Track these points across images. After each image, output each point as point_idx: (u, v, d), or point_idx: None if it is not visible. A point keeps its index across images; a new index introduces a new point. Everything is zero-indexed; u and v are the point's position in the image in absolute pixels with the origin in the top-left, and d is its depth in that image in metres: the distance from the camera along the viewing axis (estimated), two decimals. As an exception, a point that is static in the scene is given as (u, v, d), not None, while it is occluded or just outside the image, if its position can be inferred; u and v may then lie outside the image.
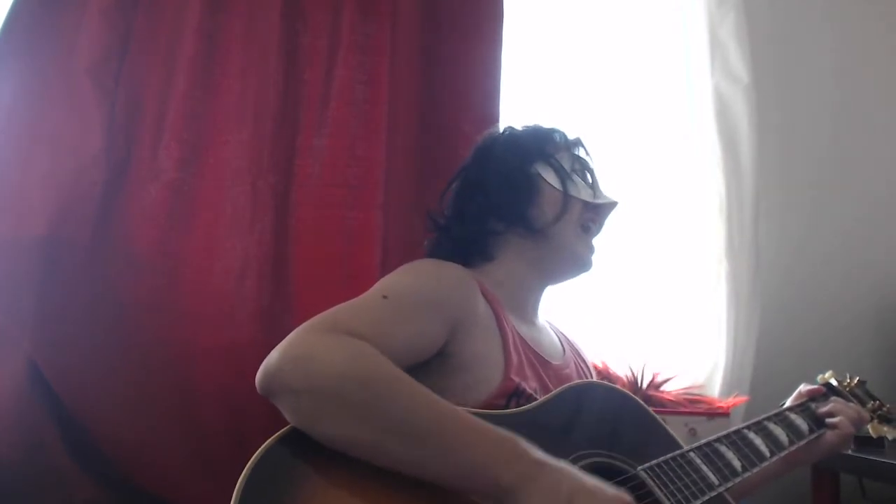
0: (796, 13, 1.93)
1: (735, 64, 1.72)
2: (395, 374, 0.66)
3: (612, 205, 1.05)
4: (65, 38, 1.23)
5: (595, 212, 1.03)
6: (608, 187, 1.08)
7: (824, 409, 1.04)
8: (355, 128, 1.29)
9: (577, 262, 1.03)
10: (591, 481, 0.64)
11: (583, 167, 1.05)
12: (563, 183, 1.00)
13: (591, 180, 1.05)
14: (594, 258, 1.04)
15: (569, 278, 1.06)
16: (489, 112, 1.36)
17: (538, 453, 0.64)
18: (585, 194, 1.02)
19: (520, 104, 1.60)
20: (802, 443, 0.98)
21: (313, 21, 1.33)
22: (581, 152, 1.07)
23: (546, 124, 1.10)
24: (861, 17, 1.99)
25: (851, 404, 1.08)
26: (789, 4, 1.93)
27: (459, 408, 0.67)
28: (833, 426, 1.02)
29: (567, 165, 1.03)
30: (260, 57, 1.30)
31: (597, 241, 1.06)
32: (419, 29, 1.37)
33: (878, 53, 1.99)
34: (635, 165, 1.76)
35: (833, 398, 1.08)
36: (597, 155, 1.10)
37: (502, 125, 1.34)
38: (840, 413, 1.03)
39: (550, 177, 1.01)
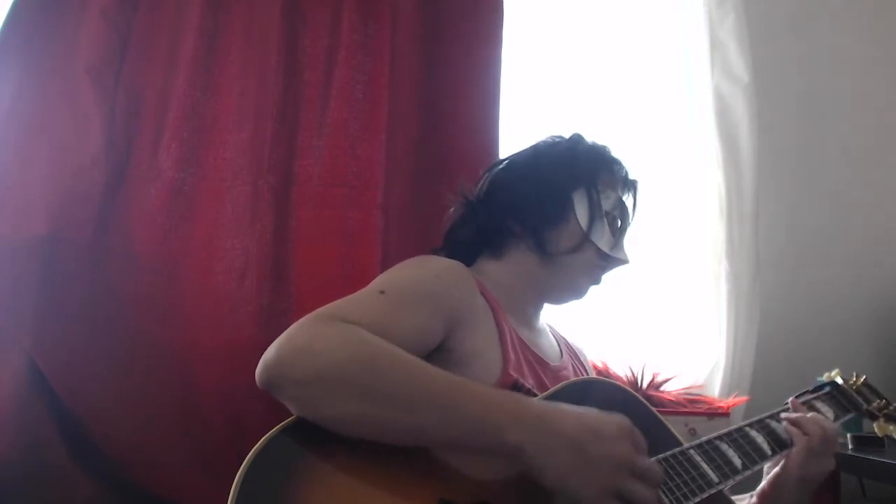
0: (796, 13, 1.94)
1: (735, 64, 1.73)
2: (393, 349, 0.68)
3: (623, 262, 1.03)
4: (65, 38, 1.23)
5: (606, 261, 1.02)
6: (629, 245, 1.05)
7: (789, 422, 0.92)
8: (355, 128, 1.29)
9: (572, 291, 1.03)
10: (591, 417, 0.66)
11: (618, 215, 1.03)
12: (590, 222, 0.98)
13: (618, 231, 1.03)
14: (589, 290, 1.04)
15: (560, 303, 1.06)
16: (489, 111, 1.36)
17: (538, 407, 0.67)
18: (605, 243, 0.99)
19: (520, 104, 1.60)
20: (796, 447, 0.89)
21: (313, 21, 1.33)
22: (628, 199, 1.05)
23: (615, 152, 1.07)
24: (860, 16, 1.99)
25: (812, 415, 0.94)
26: (789, 4, 1.94)
27: (458, 376, 0.68)
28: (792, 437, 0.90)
29: (606, 206, 1.00)
30: (260, 57, 1.30)
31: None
32: (419, 29, 1.38)
33: (878, 53, 1.99)
34: (635, 165, 1.76)
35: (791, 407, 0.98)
36: (641, 210, 1.07)
37: (503, 125, 1.35)
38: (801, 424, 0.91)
39: (582, 211, 0.99)
